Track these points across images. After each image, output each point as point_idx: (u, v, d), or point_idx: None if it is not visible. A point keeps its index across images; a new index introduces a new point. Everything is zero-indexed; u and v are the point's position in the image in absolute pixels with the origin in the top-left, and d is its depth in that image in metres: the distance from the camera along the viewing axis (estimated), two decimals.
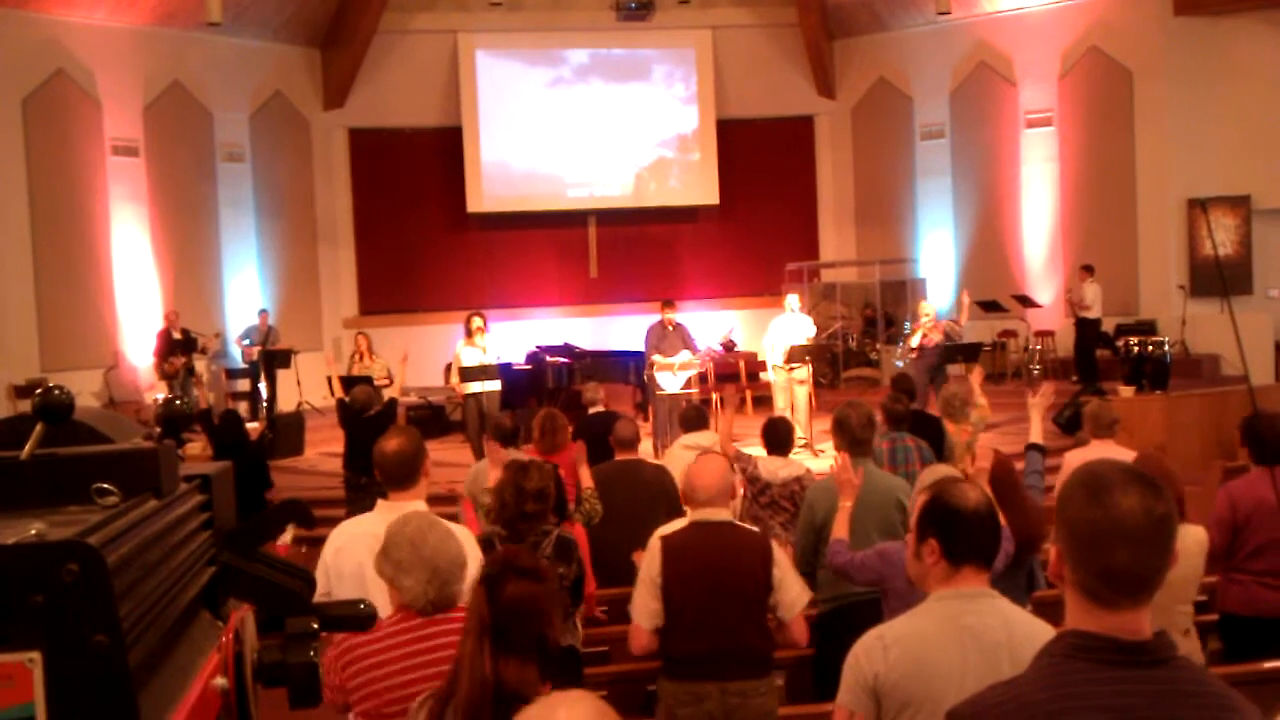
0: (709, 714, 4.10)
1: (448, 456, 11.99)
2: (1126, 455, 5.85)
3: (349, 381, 11.39)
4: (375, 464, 4.07)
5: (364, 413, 9.51)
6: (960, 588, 2.78)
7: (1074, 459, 6.50)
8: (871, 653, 2.76)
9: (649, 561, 4.20)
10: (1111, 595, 1.79)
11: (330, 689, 3.03)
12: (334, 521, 4.48)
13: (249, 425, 12.48)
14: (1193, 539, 4.62)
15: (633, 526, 5.73)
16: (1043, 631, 2.73)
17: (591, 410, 9.18)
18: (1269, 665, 4.67)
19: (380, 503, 4.04)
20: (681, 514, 5.08)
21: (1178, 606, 4.53)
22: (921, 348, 13.27)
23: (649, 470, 6.86)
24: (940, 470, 4.39)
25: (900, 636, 2.77)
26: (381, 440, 4.08)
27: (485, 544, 4.40)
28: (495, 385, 12.70)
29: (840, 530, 4.49)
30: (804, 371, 12.35)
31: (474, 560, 3.93)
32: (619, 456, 6.97)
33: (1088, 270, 15.59)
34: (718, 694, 4.10)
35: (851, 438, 5.36)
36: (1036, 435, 5.70)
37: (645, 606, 4.19)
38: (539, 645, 2.59)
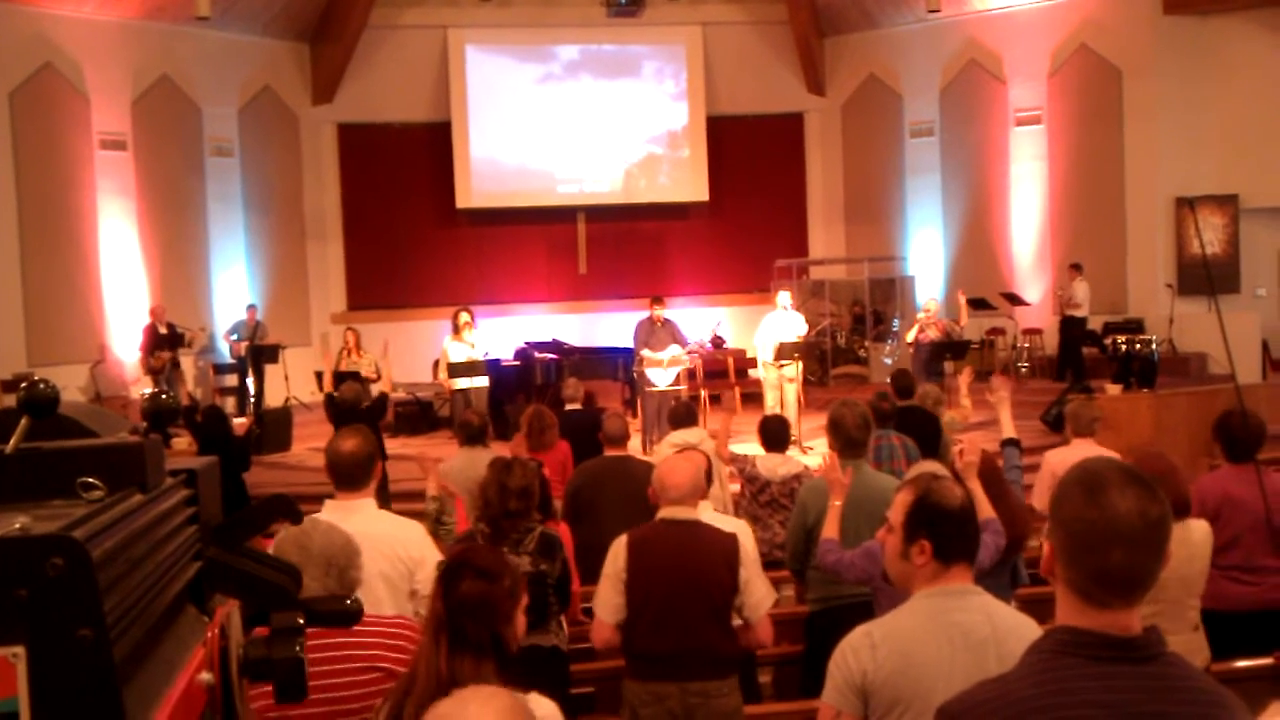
0: (670, 712, 4.11)
1: (437, 453, 11.94)
2: (1107, 455, 5.86)
3: (339, 377, 11.37)
4: (328, 463, 4.00)
5: (354, 408, 9.49)
6: (947, 585, 2.78)
7: (1054, 458, 6.54)
8: (859, 651, 2.74)
9: (614, 556, 4.22)
10: (1104, 595, 1.79)
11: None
12: None
13: (236, 420, 12.46)
14: (1201, 533, 4.62)
15: (621, 523, 5.71)
16: (1027, 626, 2.73)
17: (569, 406, 9.19)
18: (1258, 663, 4.69)
19: (328, 503, 3.97)
20: None
21: (1189, 601, 4.54)
22: (917, 342, 13.29)
23: (638, 467, 6.84)
24: (921, 467, 4.40)
25: (888, 634, 2.76)
26: (336, 440, 4.03)
27: (469, 541, 4.40)
28: (483, 381, 12.70)
29: (830, 530, 4.50)
30: (793, 369, 12.34)
31: (431, 556, 3.96)
32: (608, 453, 6.97)
33: (1077, 268, 15.61)
34: (678, 693, 4.10)
35: (846, 438, 5.35)
36: (1009, 430, 5.71)
37: (608, 601, 4.19)
38: (494, 643, 2.58)
